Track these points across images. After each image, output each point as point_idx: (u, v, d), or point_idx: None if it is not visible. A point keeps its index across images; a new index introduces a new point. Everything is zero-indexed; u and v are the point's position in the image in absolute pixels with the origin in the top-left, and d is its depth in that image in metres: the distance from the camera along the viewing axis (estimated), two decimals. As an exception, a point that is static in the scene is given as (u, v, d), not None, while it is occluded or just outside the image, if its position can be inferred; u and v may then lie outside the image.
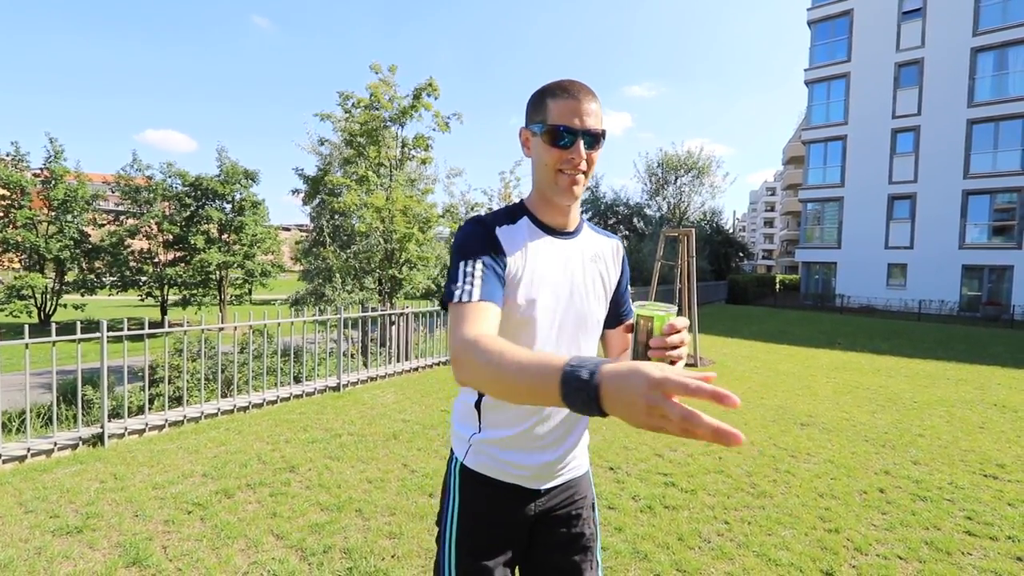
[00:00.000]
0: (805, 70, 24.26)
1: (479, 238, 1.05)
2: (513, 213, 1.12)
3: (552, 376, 0.69)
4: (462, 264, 1.00)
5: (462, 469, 1.19)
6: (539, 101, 1.05)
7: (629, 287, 1.27)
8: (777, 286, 31.18)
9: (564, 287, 1.10)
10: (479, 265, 1.00)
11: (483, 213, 1.19)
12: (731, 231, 35.18)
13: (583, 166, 1.02)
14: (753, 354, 9.52)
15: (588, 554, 1.26)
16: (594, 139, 1.02)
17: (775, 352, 9.83)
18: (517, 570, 1.25)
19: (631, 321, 1.15)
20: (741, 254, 33.68)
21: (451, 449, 1.25)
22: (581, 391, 0.66)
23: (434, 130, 11.79)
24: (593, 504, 1.29)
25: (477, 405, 1.15)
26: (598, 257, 1.16)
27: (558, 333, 1.10)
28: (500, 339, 0.85)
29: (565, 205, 1.09)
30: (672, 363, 0.89)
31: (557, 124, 1.00)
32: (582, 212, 1.22)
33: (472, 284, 0.97)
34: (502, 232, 1.07)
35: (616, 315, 1.23)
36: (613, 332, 1.26)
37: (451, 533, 1.18)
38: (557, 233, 1.12)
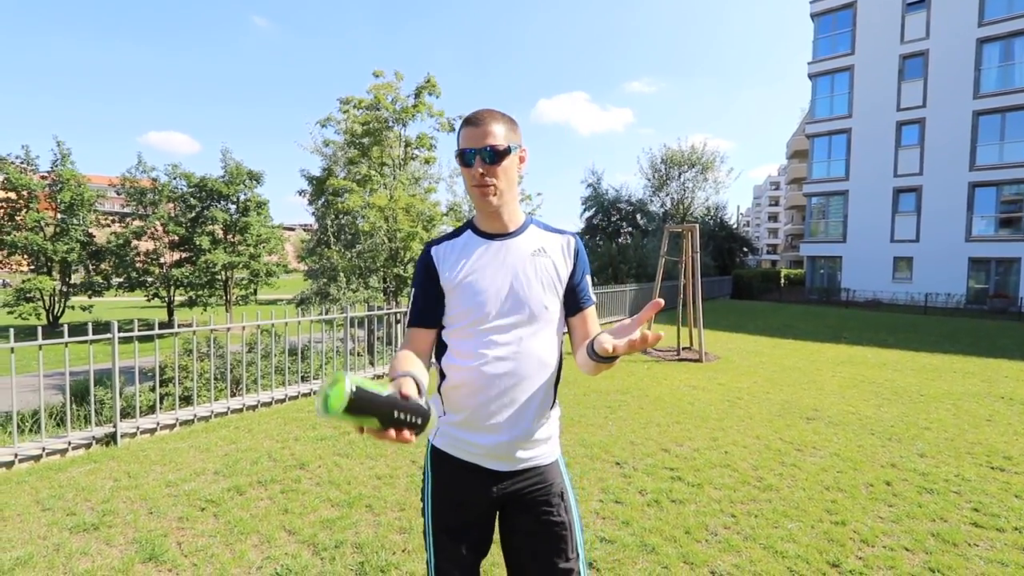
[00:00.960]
0: (808, 63, 24.12)
1: (419, 266, 1.32)
2: (459, 229, 1.34)
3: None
4: (411, 294, 1.33)
5: (432, 449, 1.34)
6: (457, 134, 1.25)
7: (587, 278, 1.35)
8: (782, 281, 31.10)
9: (503, 279, 1.24)
10: (414, 294, 1.31)
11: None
12: (735, 226, 35.05)
13: (488, 180, 1.19)
14: (758, 349, 9.51)
15: (562, 543, 1.27)
16: (494, 154, 1.18)
17: (780, 347, 9.82)
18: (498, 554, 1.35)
19: (590, 309, 1.33)
20: (745, 249, 33.58)
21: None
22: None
23: (437, 130, 11.82)
24: (562, 493, 1.31)
25: (439, 390, 1.31)
26: (540, 251, 1.28)
27: (502, 318, 1.22)
28: (403, 351, 1.22)
29: (488, 212, 1.26)
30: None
31: (460, 148, 1.21)
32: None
33: (409, 312, 1.30)
34: (437, 250, 1.30)
35: (575, 304, 1.31)
36: (573, 320, 1.33)
37: (428, 508, 1.33)
38: (495, 236, 1.28)
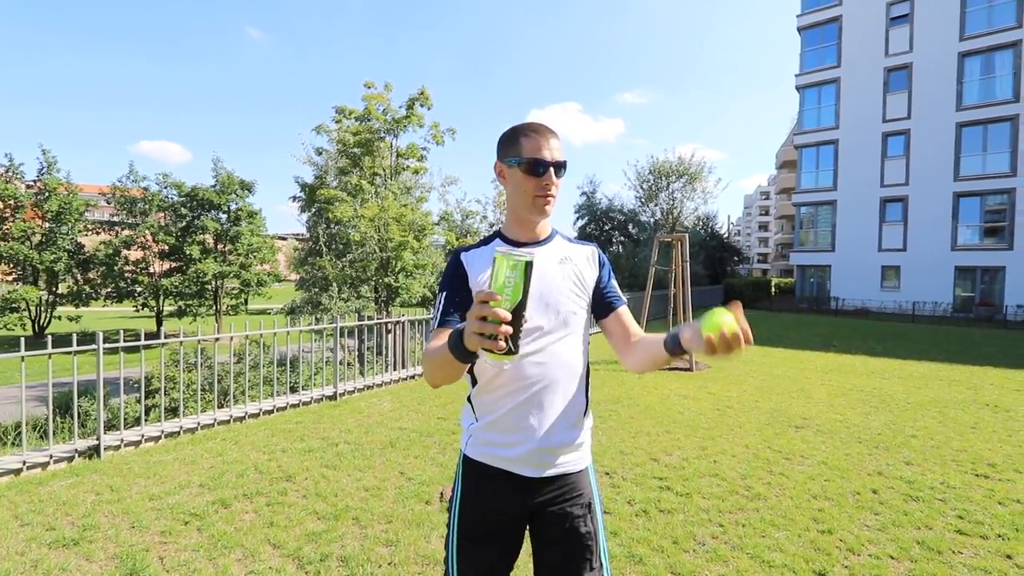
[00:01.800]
0: (796, 75, 24.53)
1: (447, 271, 1.32)
2: (488, 238, 1.37)
3: (445, 343, 1.04)
4: (437, 296, 1.31)
5: (464, 459, 1.34)
6: (513, 139, 1.26)
7: (614, 280, 1.39)
8: (772, 289, 31.34)
9: (534, 288, 1.21)
10: (443, 296, 1.28)
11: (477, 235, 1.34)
12: (726, 235, 35.40)
13: (553, 191, 1.25)
14: (748, 358, 9.56)
15: (588, 553, 1.29)
16: (559, 168, 1.25)
17: (770, 355, 9.88)
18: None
19: (623, 308, 1.35)
20: (736, 258, 33.85)
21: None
22: (454, 337, 0.99)
23: (429, 141, 11.89)
24: (590, 503, 1.32)
25: (469, 399, 1.33)
26: (567, 260, 1.32)
27: (535, 324, 1.23)
28: (435, 342, 1.17)
29: (535, 222, 1.30)
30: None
31: (534, 157, 1.22)
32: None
33: (437, 314, 1.27)
34: (468, 255, 1.32)
35: (607, 305, 1.35)
36: (608, 322, 1.35)
37: (455, 516, 1.33)
38: (525, 245, 1.31)
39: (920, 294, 20.64)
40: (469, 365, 1.15)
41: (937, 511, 3.26)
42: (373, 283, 12.10)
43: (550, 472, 1.27)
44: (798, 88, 24.49)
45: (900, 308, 20.79)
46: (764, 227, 74.35)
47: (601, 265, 1.37)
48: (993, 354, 10.41)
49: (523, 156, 1.23)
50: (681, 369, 8.21)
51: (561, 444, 1.26)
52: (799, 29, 24.54)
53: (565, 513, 1.28)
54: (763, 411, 5.68)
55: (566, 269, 1.30)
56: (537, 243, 1.31)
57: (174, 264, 23.24)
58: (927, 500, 3.42)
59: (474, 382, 1.31)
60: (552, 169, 1.22)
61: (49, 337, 3.98)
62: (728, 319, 0.96)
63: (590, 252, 1.37)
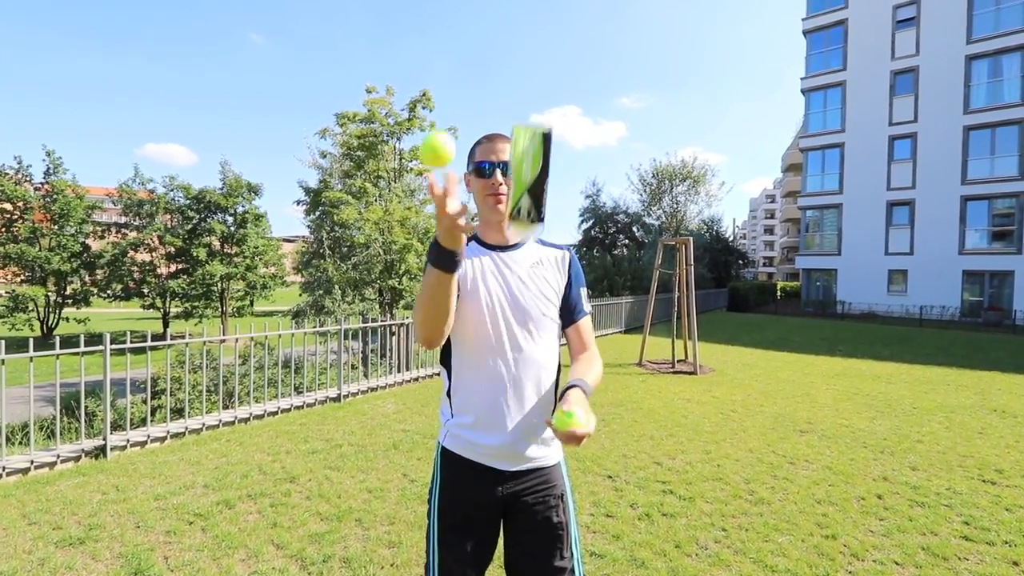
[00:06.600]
0: (801, 79, 24.46)
1: None
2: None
3: (427, 264, 1.12)
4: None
5: (442, 450, 1.41)
6: (471, 151, 1.38)
7: (582, 291, 1.42)
8: (778, 293, 31.19)
9: (505, 289, 1.32)
10: None
11: None
12: (731, 239, 35.28)
13: (502, 189, 1.30)
14: (753, 361, 9.52)
15: (559, 543, 1.33)
16: (507, 167, 1.28)
17: (775, 359, 9.84)
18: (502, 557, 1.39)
19: (583, 321, 1.40)
20: (741, 261, 33.71)
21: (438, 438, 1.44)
22: (433, 248, 1.08)
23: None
24: (563, 495, 1.37)
25: (448, 394, 1.39)
26: (539, 263, 1.37)
27: (505, 325, 1.30)
28: None
29: (496, 221, 1.35)
30: None
31: (478, 161, 1.32)
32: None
33: None
34: None
35: (569, 316, 1.39)
36: (568, 331, 1.40)
37: (434, 508, 1.37)
38: (498, 248, 1.37)
39: (927, 298, 20.48)
40: (457, 293, 1.22)
41: (943, 517, 3.23)
42: (377, 285, 12.14)
43: (524, 466, 1.32)
44: (804, 91, 24.41)
45: (907, 312, 20.64)
46: (770, 230, 74.06)
47: (570, 271, 1.40)
48: (1001, 359, 10.31)
49: (473, 161, 1.34)
50: (685, 372, 8.18)
51: (533, 440, 1.32)
52: (805, 32, 24.48)
53: (538, 503, 1.33)
54: (767, 415, 5.66)
55: (538, 272, 1.35)
56: (508, 247, 1.36)
57: (181, 266, 23.39)
58: (933, 506, 3.39)
59: (450, 377, 1.37)
60: (496, 169, 1.29)
61: (57, 338, 4.02)
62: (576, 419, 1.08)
63: (560, 256, 1.41)
